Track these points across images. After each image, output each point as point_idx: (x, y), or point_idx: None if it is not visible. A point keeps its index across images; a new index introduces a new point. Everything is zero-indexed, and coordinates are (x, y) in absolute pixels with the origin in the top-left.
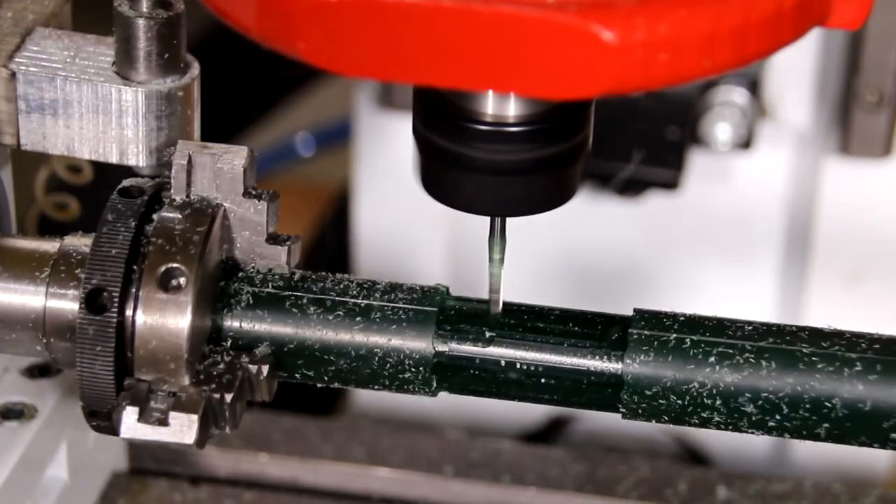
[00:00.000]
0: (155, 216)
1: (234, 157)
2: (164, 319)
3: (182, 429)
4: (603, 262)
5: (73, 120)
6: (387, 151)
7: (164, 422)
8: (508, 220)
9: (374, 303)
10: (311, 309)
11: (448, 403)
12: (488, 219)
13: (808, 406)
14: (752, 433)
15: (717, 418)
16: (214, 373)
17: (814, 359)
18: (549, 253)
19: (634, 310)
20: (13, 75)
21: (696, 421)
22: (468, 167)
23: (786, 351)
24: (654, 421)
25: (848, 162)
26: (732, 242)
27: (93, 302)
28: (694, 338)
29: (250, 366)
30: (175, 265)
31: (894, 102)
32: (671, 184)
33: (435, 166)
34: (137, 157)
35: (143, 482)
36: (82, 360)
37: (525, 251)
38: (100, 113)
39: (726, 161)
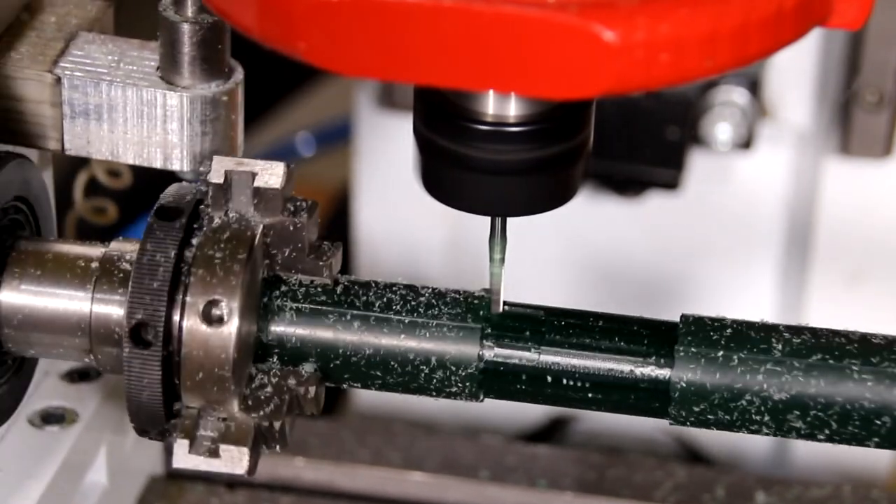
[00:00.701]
0: (194, 240)
1: (271, 176)
2: (209, 352)
3: (233, 459)
4: (603, 263)
5: (118, 124)
6: (387, 151)
7: (215, 452)
8: (509, 219)
9: (419, 319)
10: (356, 325)
11: (448, 403)
12: (488, 219)
13: (857, 423)
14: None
15: (766, 430)
16: (262, 397)
17: (864, 376)
18: (549, 253)
19: (682, 316)
20: (58, 80)
21: (745, 431)
22: (469, 167)
23: (834, 367)
24: (705, 427)
25: (848, 162)
26: (732, 242)
27: (137, 336)
28: (742, 354)
29: (298, 388)
30: (217, 297)
31: (894, 102)
32: (671, 184)
33: (435, 166)
34: (181, 162)
35: (180, 486)
36: (130, 390)
37: (525, 251)
38: (144, 117)
39: (726, 161)
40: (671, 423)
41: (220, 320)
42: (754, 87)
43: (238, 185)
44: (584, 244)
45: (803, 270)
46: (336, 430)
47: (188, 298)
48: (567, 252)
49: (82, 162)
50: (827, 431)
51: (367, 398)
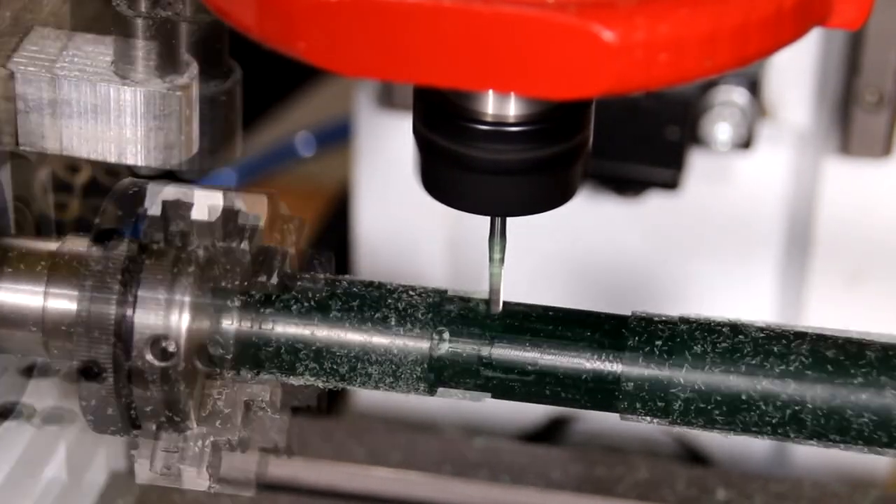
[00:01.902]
0: (138, 276)
1: (207, 210)
2: (161, 386)
3: (194, 479)
4: (603, 262)
5: (72, 119)
6: (387, 151)
7: (175, 473)
8: (508, 219)
9: (369, 313)
10: (300, 321)
11: (448, 403)
12: (488, 219)
13: (805, 420)
14: (757, 437)
15: (719, 420)
16: (217, 410)
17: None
18: (549, 253)
19: (632, 312)
20: (12, 75)
21: (694, 427)
22: (468, 167)
23: (783, 353)
24: (654, 422)
25: (848, 162)
26: (732, 242)
27: (88, 373)
28: (688, 351)
29: (254, 395)
30: (164, 334)
31: (894, 102)
32: (671, 184)
33: (435, 166)
34: (136, 157)
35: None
36: (86, 416)
37: (525, 251)
38: (98, 112)
39: (726, 161)
40: (622, 418)
41: (171, 355)
42: (754, 87)
43: (174, 217)
44: (583, 244)
45: (803, 270)
46: (300, 426)
47: (135, 336)
48: (567, 252)
49: (42, 157)
50: (777, 425)
51: (367, 398)
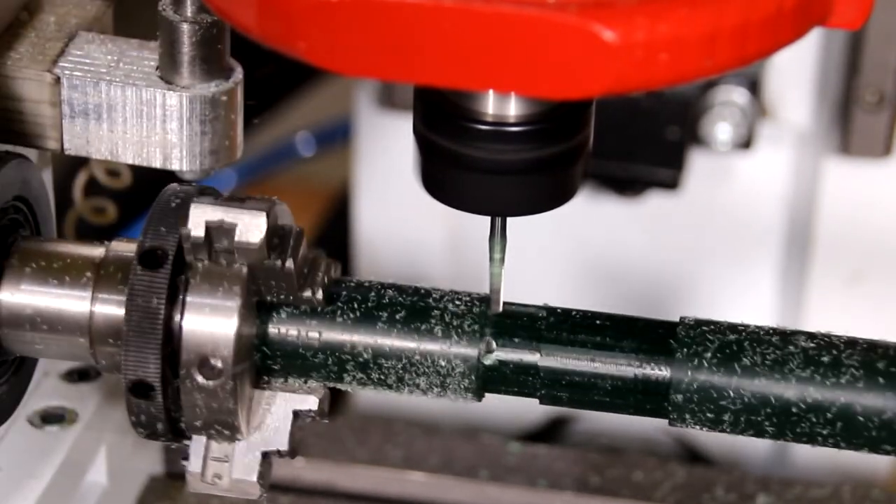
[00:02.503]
0: (182, 294)
1: (251, 230)
2: (210, 402)
3: (244, 489)
4: (603, 263)
5: (117, 124)
6: (387, 151)
7: (226, 485)
8: (509, 219)
9: (418, 320)
10: (351, 329)
11: (448, 403)
12: (488, 218)
13: (857, 428)
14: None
15: (767, 433)
16: (267, 421)
17: (862, 381)
18: (549, 253)
19: (681, 318)
20: (57, 80)
21: (745, 434)
22: (469, 167)
23: (832, 372)
24: (704, 428)
25: (848, 162)
26: (733, 242)
27: (139, 391)
28: (741, 357)
29: (301, 403)
30: (211, 353)
31: (894, 102)
32: (671, 184)
33: (435, 166)
34: (181, 162)
35: (180, 486)
36: (136, 429)
37: (525, 251)
38: (143, 117)
39: (726, 161)
40: (671, 425)
41: (218, 373)
42: (754, 86)
43: (218, 237)
44: (584, 244)
45: (803, 270)
46: (335, 429)
47: (181, 358)
48: (567, 252)
49: (82, 161)
50: (827, 436)
51: (367, 398)
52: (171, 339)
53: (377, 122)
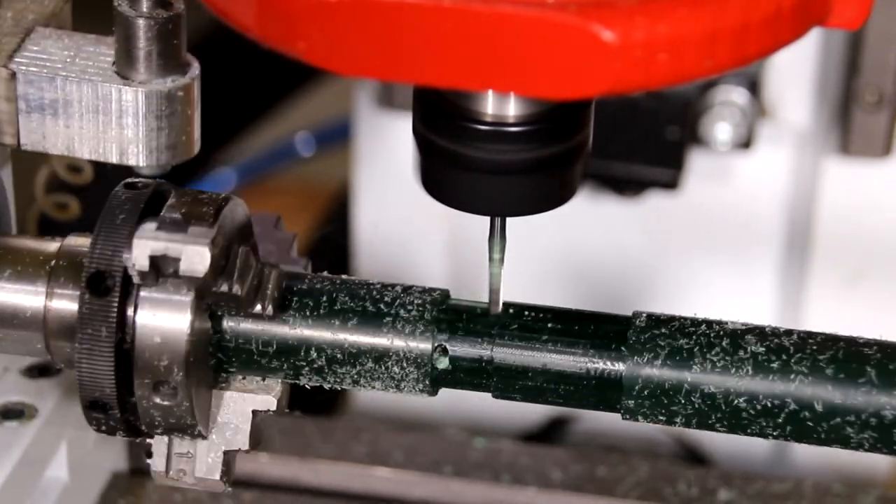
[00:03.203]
0: (135, 321)
1: (195, 261)
2: (167, 417)
3: (209, 485)
4: (603, 262)
5: (73, 120)
6: (387, 151)
7: (191, 481)
8: (508, 219)
9: (374, 315)
10: (307, 326)
11: (448, 403)
12: (488, 218)
13: (811, 421)
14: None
15: (719, 427)
16: (227, 422)
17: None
18: (548, 253)
19: (634, 312)
20: (13, 75)
21: (696, 427)
22: (468, 167)
23: (779, 351)
24: (656, 422)
25: (848, 162)
26: (732, 242)
27: (95, 407)
28: (693, 351)
29: (260, 402)
30: (164, 379)
31: (894, 102)
32: (671, 184)
33: (435, 166)
34: (137, 157)
35: (144, 482)
36: (95, 430)
37: (525, 251)
38: (100, 113)
39: (726, 161)
40: (623, 417)
41: (173, 394)
42: (754, 87)
43: (165, 266)
44: (583, 244)
45: (803, 270)
46: (299, 425)
47: (136, 379)
48: (567, 252)
49: (44, 157)
50: (779, 425)
51: (367, 398)
52: (124, 361)
53: (377, 122)
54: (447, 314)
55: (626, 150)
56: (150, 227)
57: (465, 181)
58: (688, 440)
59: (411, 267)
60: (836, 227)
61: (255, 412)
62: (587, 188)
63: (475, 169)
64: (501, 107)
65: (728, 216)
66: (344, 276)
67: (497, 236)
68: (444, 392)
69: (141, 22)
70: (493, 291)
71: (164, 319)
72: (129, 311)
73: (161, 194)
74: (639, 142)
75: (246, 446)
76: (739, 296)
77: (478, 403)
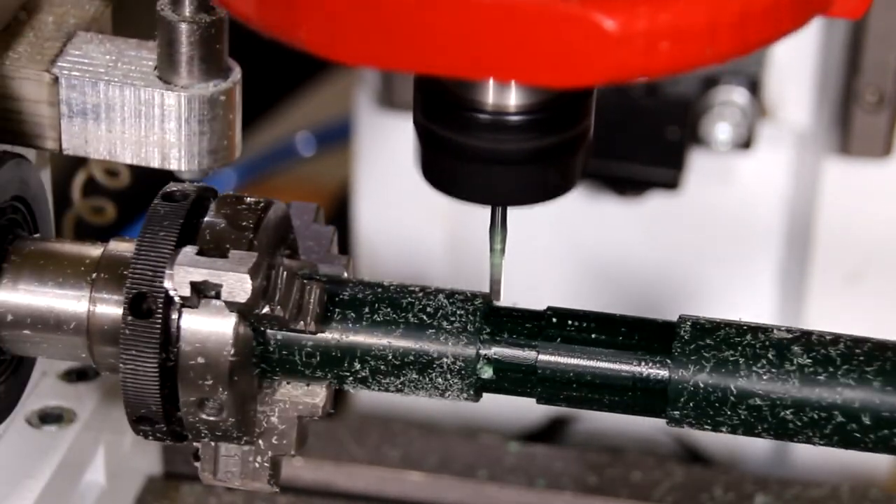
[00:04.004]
0: (178, 341)
1: (237, 291)
2: (215, 430)
3: (257, 487)
4: (603, 263)
5: (116, 124)
6: (387, 151)
7: (239, 482)
8: (510, 217)
9: (419, 320)
10: (353, 333)
11: (448, 403)
12: (488, 218)
13: (856, 427)
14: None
15: (764, 433)
16: (273, 427)
17: (860, 381)
18: (548, 253)
19: (680, 316)
20: (56, 80)
21: (743, 434)
22: (469, 157)
23: (830, 371)
24: (702, 430)
25: (848, 162)
26: (732, 242)
27: (142, 422)
28: (739, 356)
29: (305, 409)
30: (209, 397)
31: (894, 102)
32: (671, 184)
33: (436, 156)
34: (179, 162)
35: (178, 486)
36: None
37: (525, 251)
38: (142, 117)
39: (726, 161)
40: (668, 424)
41: (219, 410)
42: (754, 86)
43: (206, 290)
44: (583, 244)
45: (803, 270)
46: (333, 429)
47: (181, 398)
48: (567, 252)
49: (81, 161)
50: (826, 435)
51: (366, 398)
52: (168, 377)
53: (377, 122)
54: (490, 323)
55: (626, 150)
56: (189, 252)
57: (466, 171)
58: (688, 440)
59: (411, 267)
60: (836, 227)
61: (300, 417)
62: (588, 188)
63: (476, 159)
64: (502, 96)
65: (728, 216)
66: (386, 282)
67: (498, 227)
68: None
69: (184, 26)
70: (494, 282)
71: (207, 340)
72: (173, 330)
73: (200, 201)
74: (639, 142)
75: (292, 450)
76: (739, 295)
77: (479, 403)
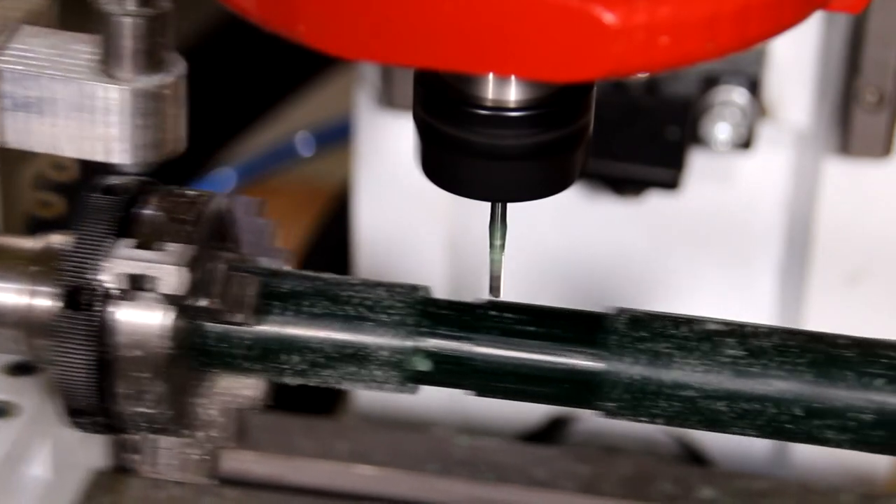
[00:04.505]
0: (115, 330)
1: (172, 283)
2: (151, 423)
3: (195, 478)
4: (602, 262)
5: (58, 118)
6: (387, 151)
7: (178, 474)
8: (510, 217)
9: (355, 311)
10: (286, 323)
11: (448, 403)
12: (488, 218)
13: (790, 419)
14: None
15: (697, 424)
16: (212, 419)
17: (793, 372)
18: (548, 253)
19: (616, 309)
20: None
21: (677, 425)
22: (469, 152)
23: (756, 353)
24: (637, 422)
25: (848, 162)
26: (732, 242)
27: (77, 414)
28: (671, 348)
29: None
30: (145, 389)
31: (894, 102)
32: (671, 184)
33: (436, 152)
34: (123, 155)
35: (126, 480)
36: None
37: (524, 250)
38: (85, 111)
39: (726, 161)
40: (605, 416)
41: (156, 402)
42: (754, 86)
43: (141, 283)
44: (583, 244)
45: (803, 270)
46: (283, 424)
47: (118, 390)
48: (566, 252)
49: (30, 155)
50: (758, 426)
51: (359, 396)
52: (104, 370)
53: (377, 122)
54: (428, 315)
55: (626, 150)
56: (127, 244)
57: (466, 166)
58: (688, 440)
59: (411, 267)
60: (836, 227)
61: (238, 408)
62: (587, 188)
63: (476, 154)
64: (502, 91)
65: (728, 216)
66: (325, 275)
67: (498, 222)
68: (444, 392)
69: (126, 20)
70: (494, 278)
71: (143, 333)
72: (109, 323)
73: (139, 194)
74: (639, 142)
75: (231, 442)
76: (739, 296)
77: (478, 403)
